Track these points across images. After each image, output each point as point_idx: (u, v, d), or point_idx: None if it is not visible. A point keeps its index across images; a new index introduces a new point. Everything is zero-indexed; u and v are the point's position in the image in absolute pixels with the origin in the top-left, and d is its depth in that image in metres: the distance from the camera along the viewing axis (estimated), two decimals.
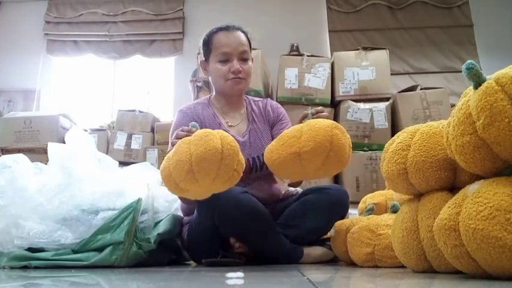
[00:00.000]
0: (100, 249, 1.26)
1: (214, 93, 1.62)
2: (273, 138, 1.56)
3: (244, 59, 1.52)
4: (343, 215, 1.49)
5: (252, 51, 3.01)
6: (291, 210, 1.47)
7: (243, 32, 1.57)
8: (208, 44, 1.55)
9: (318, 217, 1.41)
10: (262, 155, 1.43)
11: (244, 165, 1.11)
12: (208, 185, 1.04)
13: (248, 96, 1.68)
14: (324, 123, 1.16)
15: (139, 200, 1.33)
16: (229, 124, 1.56)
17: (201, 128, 1.38)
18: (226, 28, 1.55)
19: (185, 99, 4.16)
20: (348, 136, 1.20)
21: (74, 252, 1.26)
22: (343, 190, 1.59)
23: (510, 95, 0.64)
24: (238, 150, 1.08)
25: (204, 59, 1.59)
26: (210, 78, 1.58)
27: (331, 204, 1.30)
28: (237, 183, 1.43)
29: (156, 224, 1.40)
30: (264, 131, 1.59)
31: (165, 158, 1.09)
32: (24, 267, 1.21)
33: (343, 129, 1.19)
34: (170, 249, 1.48)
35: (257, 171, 1.51)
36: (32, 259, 1.23)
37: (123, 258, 1.24)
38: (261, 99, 1.70)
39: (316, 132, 1.13)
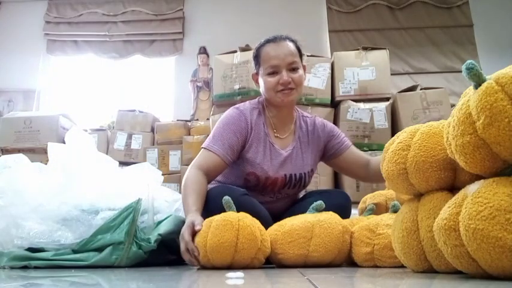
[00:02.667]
0: (100, 249, 1.24)
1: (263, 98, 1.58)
2: (329, 155, 1.60)
3: (293, 69, 1.48)
4: (345, 217, 1.50)
5: (252, 51, 3.01)
6: (292, 212, 1.47)
7: (292, 40, 1.54)
8: (257, 58, 1.55)
9: None
10: (300, 173, 1.52)
11: (269, 222, 1.20)
12: (227, 266, 1.10)
13: (298, 110, 1.65)
14: (336, 227, 1.17)
15: (139, 200, 1.32)
16: (276, 135, 1.54)
17: (247, 136, 1.48)
18: (273, 40, 1.53)
19: (185, 99, 4.17)
20: (351, 232, 1.23)
21: (74, 252, 1.25)
22: (345, 194, 1.61)
23: (510, 95, 0.64)
24: (256, 241, 1.11)
25: (255, 71, 1.57)
26: (261, 91, 1.55)
27: (333, 208, 1.30)
28: (266, 195, 1.52)
29: (157, 224, 1.40)
30: (306, 152, 1.56)
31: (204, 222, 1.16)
32: (24, 267, 1.21)
33: (350, 229, 1.22)
34: (171, 250, 1.48)
35: (289, 187, 1.52)
36: (32, 259, 1.21)
37: (123, 258, 1.23)
38: (309, 115, 1.65)
39: (328, 238, 1.15)
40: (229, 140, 1.43)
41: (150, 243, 1.29)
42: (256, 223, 1.15)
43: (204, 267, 1.13)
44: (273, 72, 1.48)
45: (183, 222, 1.52)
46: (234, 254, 1.08)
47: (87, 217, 1.29)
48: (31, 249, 1.25)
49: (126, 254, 1.24)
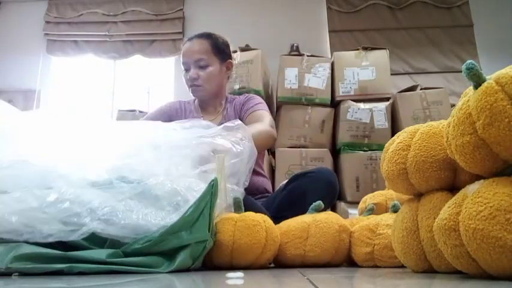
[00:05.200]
0: (165, 254, 0.93)
1: None
2: (242, 118, 1.62)
3: (201, 66, 1.59)
4: (333, 195, 1.48)
5: (252, 51, 3.03)
6: (280, 200, 1.48)
7: (209, 38, 1.63)
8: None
9: (308, 202, 1.39)
10: None
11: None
12: (243, 267, 1.08)
13: (231, 96, 1.75)
14: (332, 226, 1.16)
15: (214, 181, 1.02)
16: (203, 118, 1.66)
17: (176, 115, 1.64)
18: (190, 38, 1.65)
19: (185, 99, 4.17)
20: (350, 232, 1.22)
21: (126, 255, 0.91)
22: (329, 170, 1.62)
23: (510, 95, 0.64)
24: (278, 243, 1.12)
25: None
26: None
27: (320, 186, 1.30)
28: None
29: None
30: None
31: None
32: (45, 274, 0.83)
33: (349, 228, 1.21)
34: None
35: None
36: (73, 261, 0.85)
37: (200, 259, 0.99)
38: (238, 96, 1.75)
39: (324, 238, 1.14)
40: (151, 115, 1.69)
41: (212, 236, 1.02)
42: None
43: (205, 267, 1.12)
44: (186, 69, 1.62)
45: None
46: (259, 255, 1.07)
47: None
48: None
49: (204, 252, 0.98)
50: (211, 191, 1.00)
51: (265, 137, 1.46)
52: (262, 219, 1.10)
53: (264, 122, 1.53)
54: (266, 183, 1.73)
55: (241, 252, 1.05)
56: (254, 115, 1.59)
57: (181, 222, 0.94)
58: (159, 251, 0.93)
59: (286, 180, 1.63)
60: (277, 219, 1.41)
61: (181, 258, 0.93)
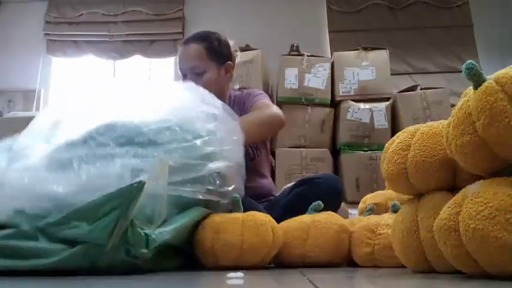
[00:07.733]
0: (70, 242, 0.80)
1: None
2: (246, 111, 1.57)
3: (197, 74, 1.50)
4: (338, 202, 1.47)
5: (252, 51, 3.03)
6: (284, 204, 1.47)
7: (203, 42, 1.53)
8: None
9: None
10: None
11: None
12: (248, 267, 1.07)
13: (233, 93, 1.69)
14: (331, 227, 1.16)
15: (138, 184, 0.80)
16: None
17: None
18: (185, 41, 1.55)
19: None
20: (350, 232, 1.21)
21: (41, 231, 0.81)
22: (335, 177, 1.59)
23: (510, 95, 0.64)
24: (281, 243, 1.11)
25: None
26: None
27: (325, 193, 1.30)
28: None
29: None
30: None
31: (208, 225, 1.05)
32: None
33: (348, 229, 1.21)
34: (182, 252, 1.09)
35: None
36: None
37: (103, 263, 0.81)
38: (238, 92, 1.69)
39: (323, 239, 1.14)
40: None
41: (146, 248, 0.84)
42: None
43: (204, 267, 1.12)
44: (183, 75, 1.52)
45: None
46: (266, 254, 1.07)
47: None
48: None
49: (107, 260, 0.81)
50: (131, 194, 0.79)
51: (268, 120, 1.41)
52: (267, 218, 1.10)
53: (269, 107, 1.48)
54: (271, 185, 1.71)
55: (251, 253, 1.03)
56: (256, 106, 1.53)
57: (84, 210, 0.80)
58: (63, 236, 0.80)
59: (291, 184, 1.61)
60: (280, 222, 1.42)
61: (68, 254, 0.78)
